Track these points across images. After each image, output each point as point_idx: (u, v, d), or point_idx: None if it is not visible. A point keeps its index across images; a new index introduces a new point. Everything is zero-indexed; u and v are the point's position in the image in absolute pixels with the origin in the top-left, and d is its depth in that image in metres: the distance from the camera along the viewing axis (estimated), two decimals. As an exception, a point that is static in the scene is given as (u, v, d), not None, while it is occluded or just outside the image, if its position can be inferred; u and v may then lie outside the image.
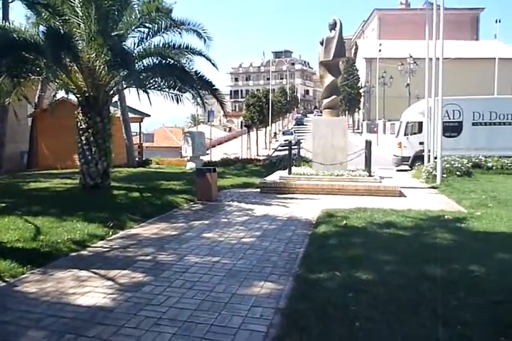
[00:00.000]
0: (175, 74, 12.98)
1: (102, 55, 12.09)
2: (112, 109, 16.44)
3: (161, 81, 13.70)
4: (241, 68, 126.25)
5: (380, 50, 53.38)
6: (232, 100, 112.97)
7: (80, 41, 12.25)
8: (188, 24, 13.36)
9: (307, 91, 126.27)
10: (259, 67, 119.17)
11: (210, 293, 5.07)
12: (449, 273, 5.45)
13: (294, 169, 14.99)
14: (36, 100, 23.35)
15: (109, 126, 12.96)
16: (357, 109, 65.96)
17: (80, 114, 12.59)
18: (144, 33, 13.34)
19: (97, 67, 12.48)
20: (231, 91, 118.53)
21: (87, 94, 12.60)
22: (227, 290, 5.18)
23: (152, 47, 13.31)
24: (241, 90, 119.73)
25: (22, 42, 11.06)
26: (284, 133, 62.35)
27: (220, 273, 5.81)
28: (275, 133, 69.30)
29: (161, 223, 9.08)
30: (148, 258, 6.49)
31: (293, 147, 16.19)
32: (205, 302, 4.80)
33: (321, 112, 17.31)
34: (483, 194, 12.26)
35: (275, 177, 15.04)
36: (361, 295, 4.72)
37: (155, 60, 13.15)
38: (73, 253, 6.74)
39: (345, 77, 57.44)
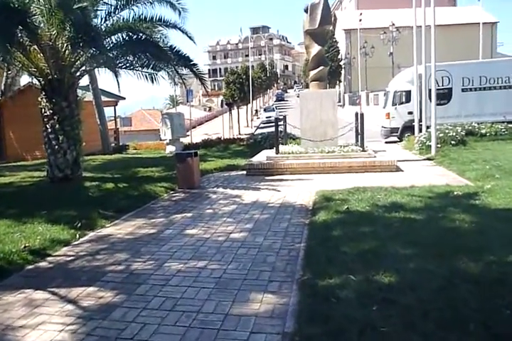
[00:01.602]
0: (148, 51, 11.74)
1: (65, 32, 10.82)
2: (80, 92, 15.19)
3: (133, 59, 12.46)
4: (219, 46, 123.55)
5: (360, 20, 51.93)
6: (211, 79, 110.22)
7: (40, 17, 10.95)
8: (161, -6, 12.09)
9: (286, 67, 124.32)
10: (237, 43, 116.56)
11: (196, 316, 3.98)
12: (487, 269, 4.47)
13: (281, 148, 13.92)
14: (2, 87, 21.79)
15: (78, 111, 11.79)
16: (338, 82, 64.79)
17: (44, 100, 11.36)
18: (111, 5, 12.06)
19: (60, 46, 11.22)
20: (209, 70, 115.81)
21: (50, 77, 11.33)
22: (218, 309, 4.10)
23: (121, 21, 12.05)
24: (219, 68, 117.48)
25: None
26: (265, 110, 61.46)
27: (208, 284, 4.72)
28: (256, 111, 68.21)
29: (138, 219, 7.94)
30: (120, 268, 5.36)
31: (279, 123, 15.03)
32: (192, 331, 3.71)
33: (302, 86, 16.25)
34: (486, 164, 11.41)
35: (261, 157, 13.96)
36: (389, 309, 3.70)
37: (125, 36, 11.92)
38: (30, 266, 5.54)
39: (326, 50, 56.05)
